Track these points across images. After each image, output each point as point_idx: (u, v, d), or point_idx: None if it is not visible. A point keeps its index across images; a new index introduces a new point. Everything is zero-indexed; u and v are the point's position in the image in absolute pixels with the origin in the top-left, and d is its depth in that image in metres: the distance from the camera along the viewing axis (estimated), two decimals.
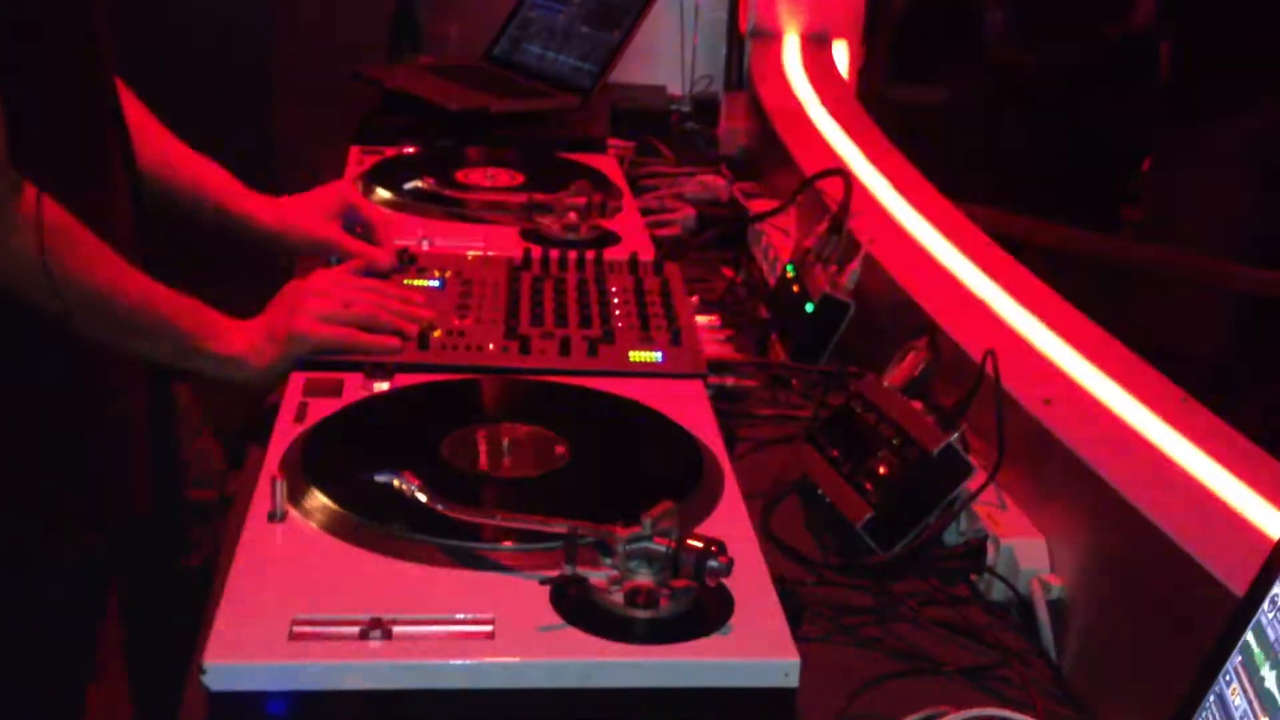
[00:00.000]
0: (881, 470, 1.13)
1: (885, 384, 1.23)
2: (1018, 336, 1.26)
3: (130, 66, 2.85)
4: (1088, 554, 1.01)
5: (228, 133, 2.77)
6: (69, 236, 1.14)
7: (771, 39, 2.56)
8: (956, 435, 1.10)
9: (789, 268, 1.53)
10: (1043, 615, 1.02)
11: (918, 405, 1.19)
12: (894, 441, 1.13)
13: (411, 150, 1.90)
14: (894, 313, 1.39)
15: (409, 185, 1.68)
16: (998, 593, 1.06)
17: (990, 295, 1.36)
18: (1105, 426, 1.07)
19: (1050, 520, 1.06)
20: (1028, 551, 1.05)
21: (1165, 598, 0.89)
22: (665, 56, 2.52)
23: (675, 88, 2.48)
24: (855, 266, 1.44)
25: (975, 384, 1.12)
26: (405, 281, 1.40)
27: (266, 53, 2.73)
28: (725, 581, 0.87)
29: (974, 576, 1.08)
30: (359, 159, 1.84)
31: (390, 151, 1.87)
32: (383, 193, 1.69)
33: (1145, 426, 1.06)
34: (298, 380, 1.19)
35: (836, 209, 1.51)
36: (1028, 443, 1.08)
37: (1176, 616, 0.88)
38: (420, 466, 0.96)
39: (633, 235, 1.62)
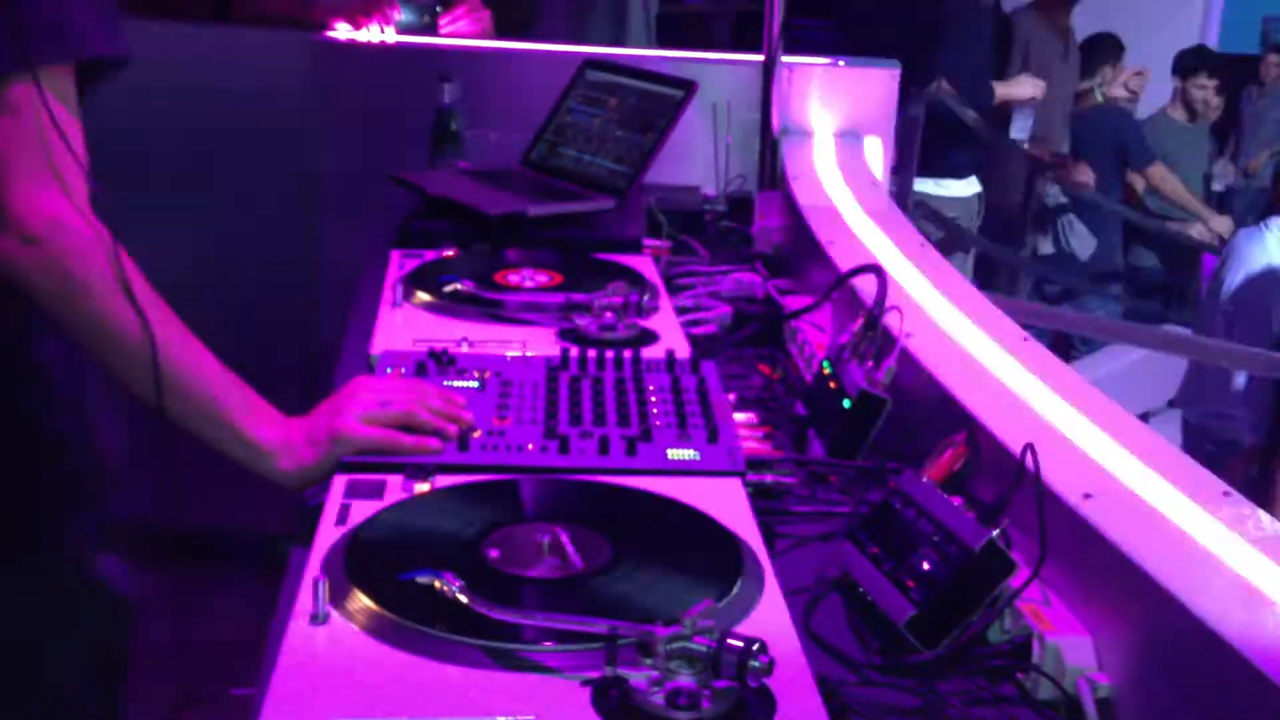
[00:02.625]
0: (923, 567, 1.12)
1: (924, 480, 1.23)
2: (1057, 430, 1.26)
3: (174, 172, 2.93)
4: (1135, 651, 0.99)
5: (270, 235, 2.85)
6: (129, 286, 1.21)
7: (804, 138, 2.60)
8: (998, 531, 1.10)
9: (825, 364, 1.54)
10: (1091, 714, 1.01)
11: (958, 501, 1.19)
12: (935, 538, 1.13)
13: (451, 253, 1.93)
14: (931, 408, 1.39)
15: (448, 288, 1.71)
16: (1045, 691, 1.04)
17: (1028, 389, 1.36)
18: (1148, 521, 1.06)
19: (1096, 617, 1.05)
20: (1074, 649, 1.04)
21: (1214, 695, 0.88)
22: (699, 157, 2.55)
23: (709, 187, 2.51)
24: (891, 362, 1.45)
25: (1015, 479, 1.12)
26: (445, 383, 1.42)
27: (309, 156, 2.79)
28: (767, 682, 0.87)
29: (1020, 675, 1.07)
30: (400, 263, 1.87)
31: (430, 255, 1.91)
32: (423, 296, 1.71)
33: (1188, 520, 1.05)
34: (340, 481, 1.20)
35: (871, 305, 1.52)
36: (1070, 538, 1.08)
37: (1226, 715, 0.86)
38: (461, 567, 0.96)
39: (669, 334, 1.64)
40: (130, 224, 1.35)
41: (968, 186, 4.04)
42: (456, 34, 2.87)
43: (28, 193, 1.20)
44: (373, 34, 2.78)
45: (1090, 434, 1.24)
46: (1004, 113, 4.08)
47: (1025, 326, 1.59)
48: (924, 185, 3.85)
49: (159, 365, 1.21)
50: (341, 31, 2.78)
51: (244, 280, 2.86)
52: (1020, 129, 4.17)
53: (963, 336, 1.53)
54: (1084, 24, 5.38)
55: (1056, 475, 1.12)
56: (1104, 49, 5.49)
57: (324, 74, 2.74)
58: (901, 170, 3.30)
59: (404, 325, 1.63)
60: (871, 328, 1.50)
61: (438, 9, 2.91)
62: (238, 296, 2.83)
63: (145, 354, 1.21)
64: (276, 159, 2.81)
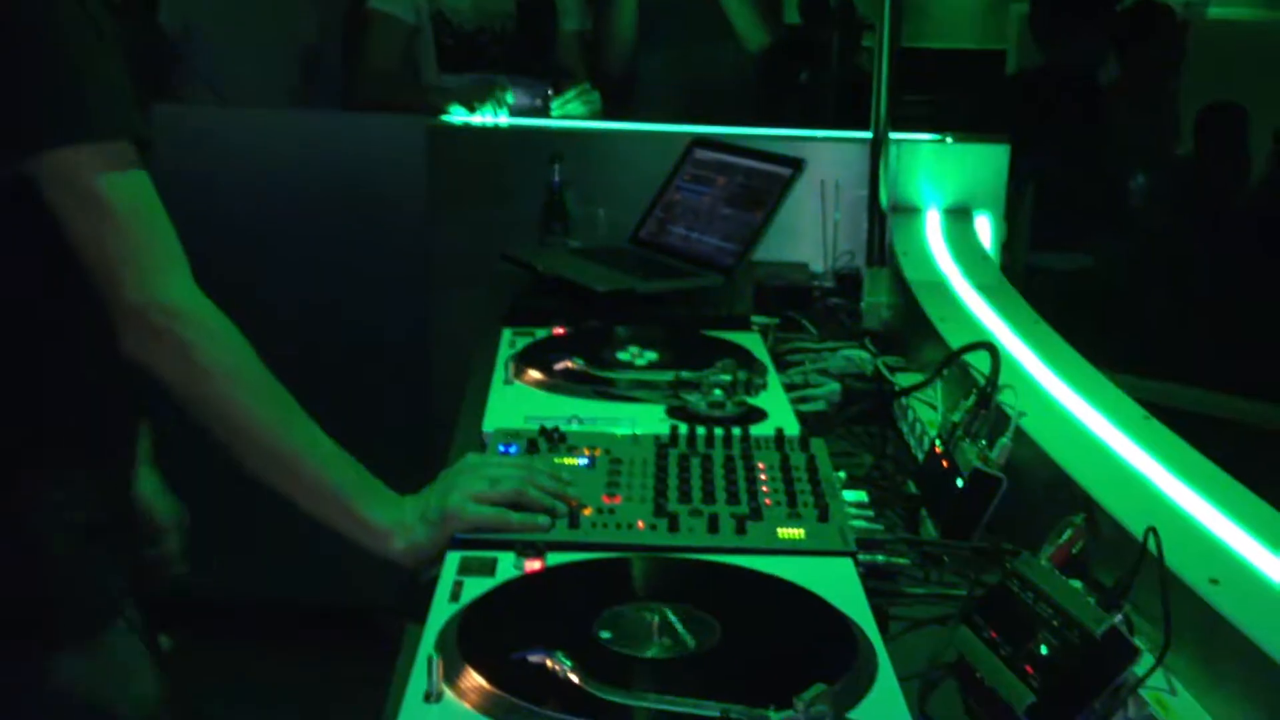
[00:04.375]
0: (1043, 653, 1.09)
1: (1042, 562, 1.20)
2: (1180, 512, 1.22)
3: (292, 250, 3.02)
4: None
5: (385, 312, 2.92)
6: (249, 370, 1.25)
7: (913, 213, 2.60)
8: (1120, 616, 1.07)
9: (937, 442, 1.52)
10: None
11: (1077, 584, 1.16)
12: (1054, 623, 1.10)
13: (561, 331, 1.96)
14: (1048, 488, 1.37)
15: (559, 366, 1.73)
16: None
17: (1149, 469, 1.33)
18: (1277, 607, 1.02)
19: (1222, 706, 1.02)
20: None
21: None
22: (807, 233, 2.56)
23: (817, 264, 2.51)
24: (1005, 441, 1.42)
25: (1137, 562, 1.09)
26: (555, 460, 1.43)
27: (424, 234, 2.85)
28: None
29: None
30: (511, 340, 1.90)
31: (541, 332, 1.94)
32: (534, 373, 1.73)
33: None
34: (452, 558, 1.22)
35: (984, 383, 1.50)
36: (1195, 624, 1.04)
37: None
38: (572, 646, 0.96)
39: (778, 411, 1.63)
40: (249, 300, 1.40)
41: (1081, 260, 3.99)
42: (568, 115, 2.93)
43: (141, 285, 1.24)
44: (487, 117, 2.85)
45: (1215, 517, 1.20)
46: (1115, 187, 4.04)
47: (1146, 404, 1.56)
48: (1036, 260, 3.81)
49: (274, 445, 1.25)
50: (457, 115, 2.85)
51: (359, 355, 2.93)
52: (1139, 198, 4.12)
53: (1080, 414, 1.50)
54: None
55: (1181, 559, 1.09)
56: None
57: (440, 155, 2.81)
58: (1013, 245, 3.27)
59: (515, 402, 1.65)
60: (985, 405, 1.48)
61: (549, 92, 2.98)
62: (353, 371, 2.90)
63: (261, 435, 1.25)
64: (393, 237, 2.88)
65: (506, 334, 1.94)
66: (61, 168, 1.23)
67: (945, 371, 1.70)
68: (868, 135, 2.52)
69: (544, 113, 2.94)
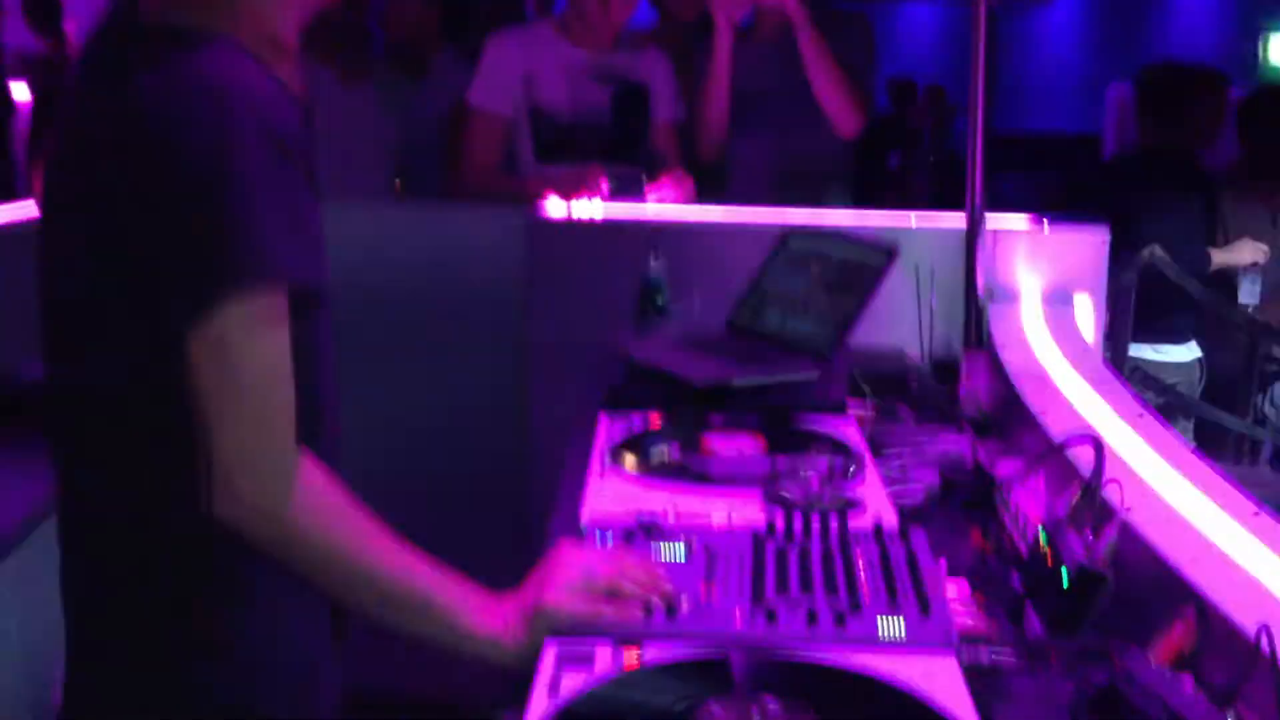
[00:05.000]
0: None
1: (1151, 660, 1.17)
2: None
3: (391, 339, 3.06)
4: None
5: (484, 401, 2.96)
6: (337, 507, 1.24)
7: (1010, 300, 2.58)
8: (1231, 716, 1.04)
9: (1041, 535, 1.49)
10: None
11: (1187, 682, 1.13)
12: None
13: (657, 420, 1.97)
14: (1156, 584, 1.33)
15: (655, 455, 1.74)
16: None
17: (1260, 564, 1.29)
18: None
19: None
20: None
21: None
22: (903, 320, 2.55)
23: (914, 350, 2.50)
24: (1111, 535, 1.39)
25: (1249, 661, 1.06)
26: (652, 550, 1.43)
27: (521, 323, 2.90)
28: None
29: None
30: (608, 429, 1.92)
31: (638, 421, 1.95)
32: (630, 462, 1.74)
33: None
34: (550, 651, 1.22)
35: (1088, 476, 1.47)
36: None
37: None
38: None
39: (876, 501, 1.62)
40: (347, 391, 1.41)
41: (1188, 351, 3.92)
42: (663, 204, 2.97)
43: (238, 449, 1.17)
44: (582, 207, 2.90)
45: None
46: (1224, 277, 3.96)
47: (1256, 498, 1.52)
48: (1140, 350, 3.76)
49: (374, 583, 1.24)
50: (553, 206, 2.90)
51: (458, 444, 2.96)
52: (1249, 294, 4.02)
53: (1188, 509, 1.47)
54: None
55: None
56: None
57: (537, 245, 2.86)
58: (1116, 335, 3.22)
59: (612, 492, 1.66)
60: (1088, 498, 1.46)
61: (644, 180, 3.02)
62: (451, 459, 2.93)
63: (365, 580, 1.24)
64: (491, 325, 2.93)
65: (603, 423, 1.96)
66: (201, 315, 1.14)
67: (1047, 460, 1.67)
68: (962, 220, 2.52)
69: (639, 201, 2.98)
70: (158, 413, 1.19)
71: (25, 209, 2.72)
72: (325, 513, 1.22)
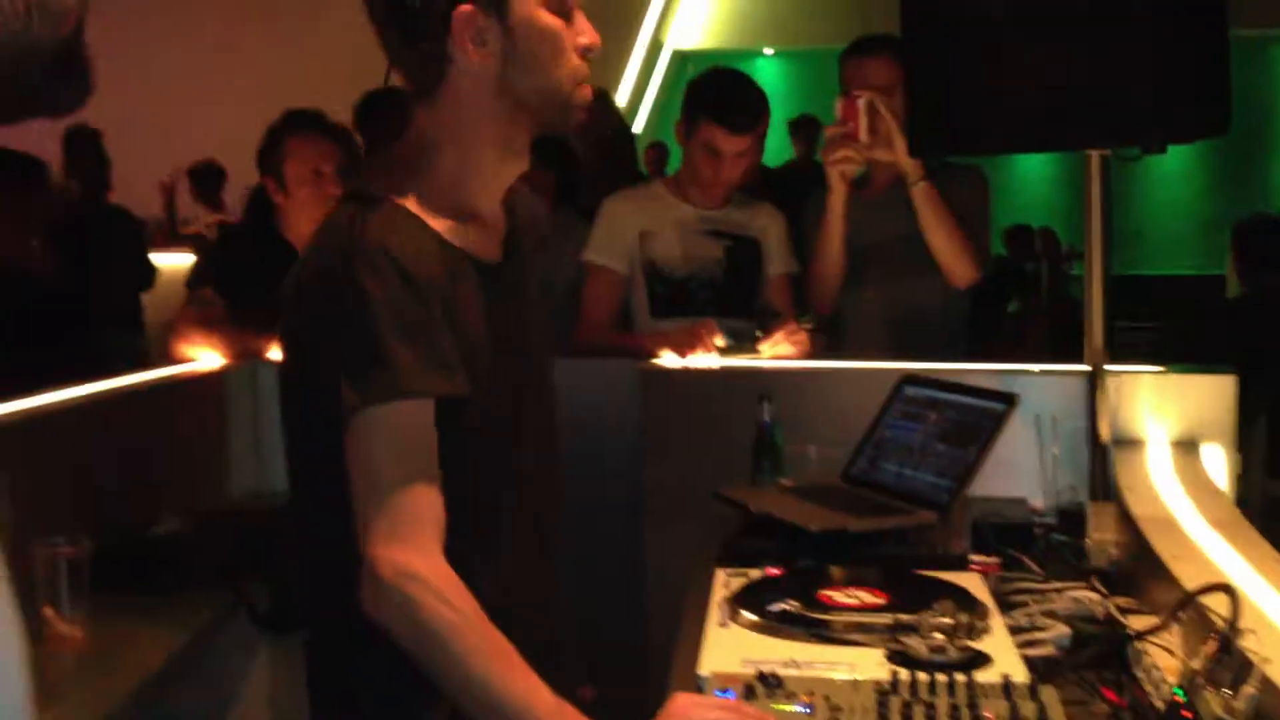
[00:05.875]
0: None
1: None
2: None
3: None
4: None
5: (599, 551, 2.95)
6: (472, 631, 1.34)
7: (1136, 446, 2.52)
8: None
9: (1177, 691, 1.44)
10: None
11: None
12: None
13: (775, 572, 1.95)
14: None
15: (774, 607, 1.72)
16: None
17: None
18: None
19: None
20: None
21: None
22: (1025, 468, 2.50)
23: (1037, 500, 2.44)
24: (1251, 690, 1.34)
25: None
26: (774, 706, 1.41)
27: (637, 474, 2.91)
28: None
29: None
30: (725, 581, 1.91)
31: (755, 573, 1.93)
32: (748, 616, 1.73)
33: None
34: None
35: (1224, 627, 1.42)
36: None
37: None
38: None
39: (1004, 656, 1.58)
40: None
41: None
42: (777, 356, 2.99)
43: (386, 542, 1.37)
44: (697, 360, 2.93)
45: None
46: None
47: None
48: (1276, 492, 3.63)
49: (495, 701, 1.32)
50: (668, 359, 2.94)
51: (572, 593, 2.96)
52: None
53: None
54: None
55: None
56: None
57: (653, 397, 2.89)
58: (1248, 477, 3.12)
59: (731, 645, 1.64)
60: (1226, 652, 1.40)
61: (757, 333, 3.05)
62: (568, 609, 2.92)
63: (484, 693, 1.33)
64: (608, 477, 2.94)
65: (720, 574, 1.95)
66: (359, 426, 1.40)
67: (1181, 614, 1.62)
68: (1083, 367, 2.49)
69: (754, 354, 3.01)
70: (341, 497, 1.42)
71: (153, 375, 2.84)
72: (445, 613, 1.34)
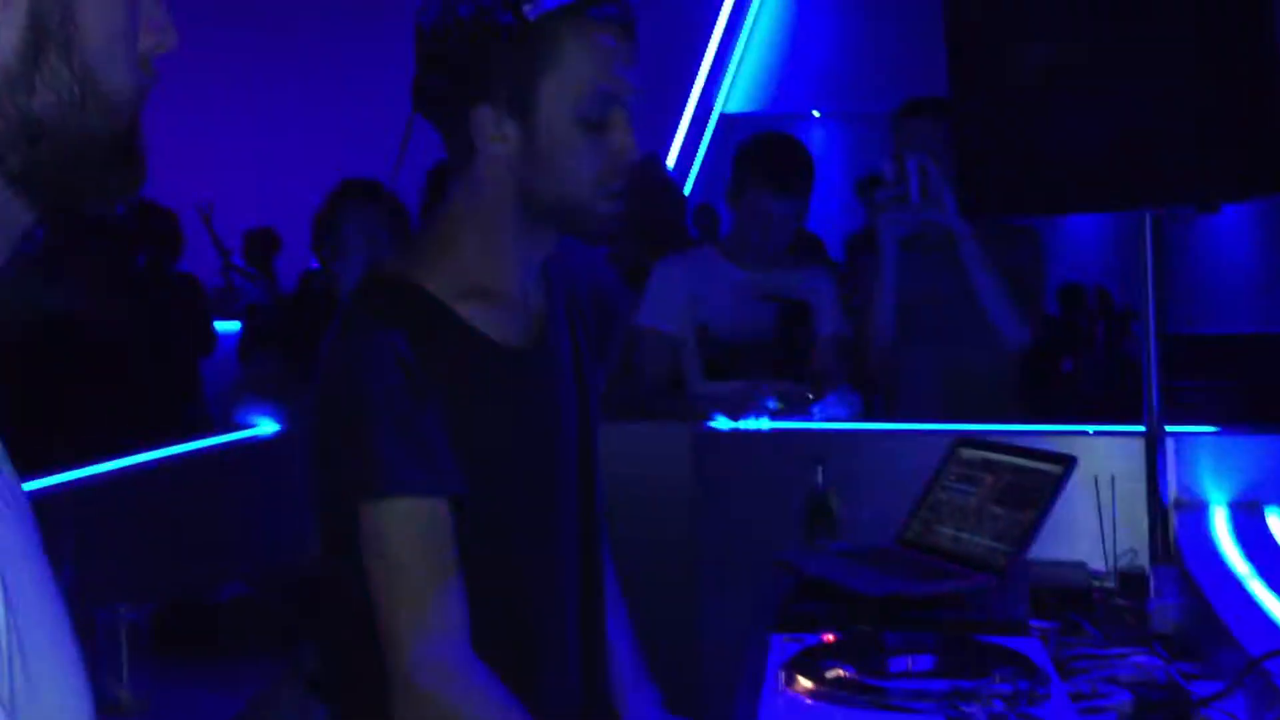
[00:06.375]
0: None
1: None
2: None
3: None
4: None
5: (652, 615, 2.94)
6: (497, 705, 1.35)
7: (1197, 508, 2.48)
8: None
9: None
10: None
11: None
12: None
13: (831, 637, 1.93)
14: None
15: (830, 674, 1.71)
16: None
17: None
18: None
19: None
20: None
21: None
22: (1083, 531, 2.46)
23: (1097, 563, 2.41)
24: None
25: None
26: None
27: (690, 537, 2.90)
28: None
29: None
30: (780, 647, 1.89)
31: (810, 639, 1.92)
32: (805, 683, 1.71)
33: None
34: None
35: None
36: None
37: None
38: None
39: None
40: None
41: None
42: (829, 418, 2.98)
43: (414, 647, 1.35)
44: (749, 423, 2.93)
45: None
46: None
47: None
48: None
49: None
50: (720, 422, 2.94)
51: None
52: None
53: None
54: None
55: None
56: None
57: (705, 460, 2.89)
58: None
59: (787, 712, 1.63)
60: None
61: (809, 396, 3.05)
62: None
63: None
64: (660, 541, 2.94)
65: (775, 638, 1.93)
66: (364, 522, 1.37)
67: (1246, 679, 1.59)
68: (1141, 428, 2.46)
69: (805, 418, 3.00)
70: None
71: (213, 441, 2.88)
72: (498, 711, 1.33)
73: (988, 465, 2.34)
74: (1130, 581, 2.29)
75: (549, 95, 1.40)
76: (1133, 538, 2.42)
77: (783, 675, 1.73)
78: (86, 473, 2.31)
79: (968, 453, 2.41)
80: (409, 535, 1.36)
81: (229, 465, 2.85)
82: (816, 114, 13.12)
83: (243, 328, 5.86)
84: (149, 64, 0.73)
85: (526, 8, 1.37)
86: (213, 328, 5.28)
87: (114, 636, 2.00)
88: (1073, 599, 2.18)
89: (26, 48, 0.66)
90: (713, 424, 2.95)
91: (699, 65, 10.39)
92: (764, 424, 2.94)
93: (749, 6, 10.64)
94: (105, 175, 0.72)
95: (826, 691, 1.68)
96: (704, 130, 10.72)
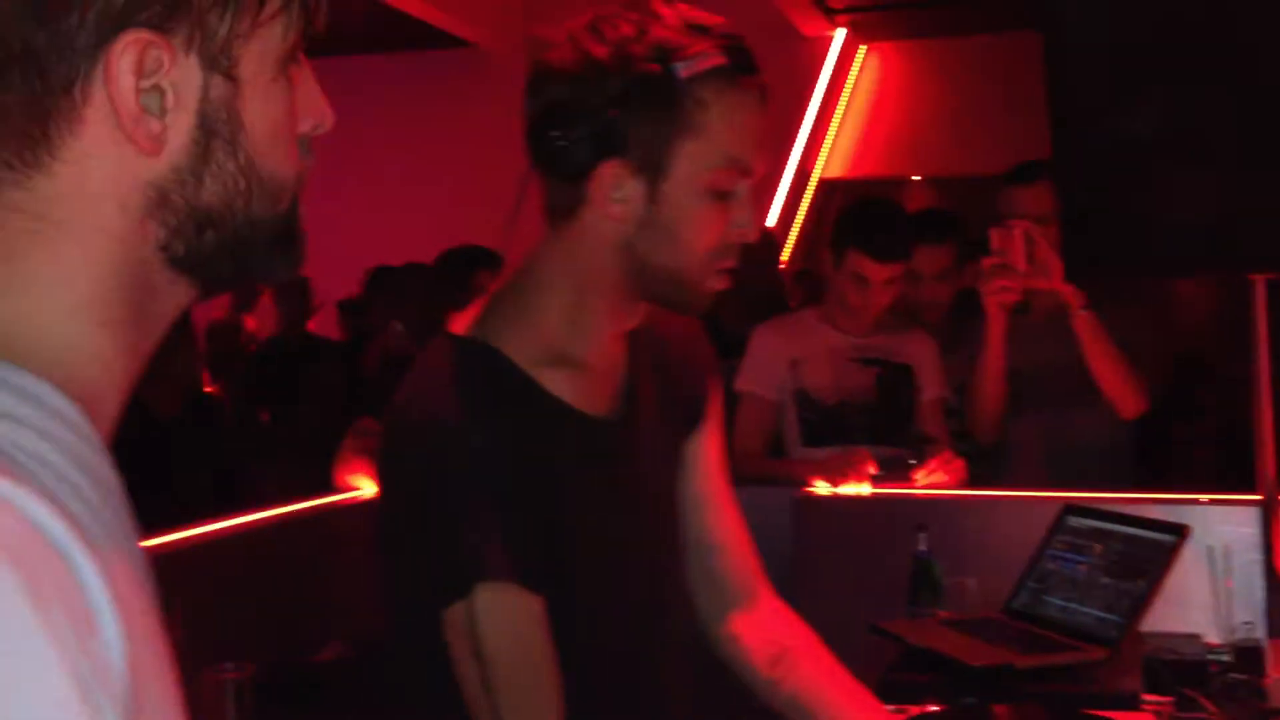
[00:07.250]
0: None
1: None
2: None
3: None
4: None
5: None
6: None
7: None
8: None
9: None
10: None
11: None
12: None
13: (936, 709, 1.89)
14: None
15: None
16: None
17: None
18: None
19: None
20: None
21: None
22: (1197, 602, 2.39)
23: (1212, 635, 2.33)
24: None
25: None
26: None
27: (790, 604, 2.86)
28: None
29: None
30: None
31: (914, 710, 1.88)
32: None
33: None
34: None
35: None
36: None
37: None
38: None
39: None
40: None
41: None
42: (932, 484, 2.94)
43: None
44: (850, 488, 2.90)
45: None
46: None
47: None
48: None
49: None
50: (822, 488, 2.91)
51: None
52: None
53: None
54: None
55: None
56: None
57: (805, 526, 2.86)
58: None
59: None
60: None
61: (911, 461, 3.01)
62: None
63: None
64: None
65: None
66: (452, 619, 1.32)
67: None
68: (1256, 497, 2.38)
69: (908, 482, 2.96)
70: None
71: (318, 502, 2.92)
72: None
73: (1097, 534, 2.28)
74: (1246, 655, 2.21)
75: (685, 160, 1.32)
76: (1249, 610, 2.34)
77: None
78: (194, 533, 2.37)
79: (1077, 521, 2.36)
80: (504, 628, 1.30)
81: (333, 526, 2.89)
82: (916, 178, 13.07)
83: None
84: (308, 146, 0.77)
85: (679, 66, 1.30)
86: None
87: (219, 696, 2.03)
88: (1187, 673, 2.10)
89: (195, 146, 0.70)
90: (813, 489, 2.92)
91: (799, 129, 10.42)
92: (865, 489, 2.90)
93: (849, 70, 10.66)
94: (268, 257, 0.76)
95: None
96: (803, 194, 10.73)
